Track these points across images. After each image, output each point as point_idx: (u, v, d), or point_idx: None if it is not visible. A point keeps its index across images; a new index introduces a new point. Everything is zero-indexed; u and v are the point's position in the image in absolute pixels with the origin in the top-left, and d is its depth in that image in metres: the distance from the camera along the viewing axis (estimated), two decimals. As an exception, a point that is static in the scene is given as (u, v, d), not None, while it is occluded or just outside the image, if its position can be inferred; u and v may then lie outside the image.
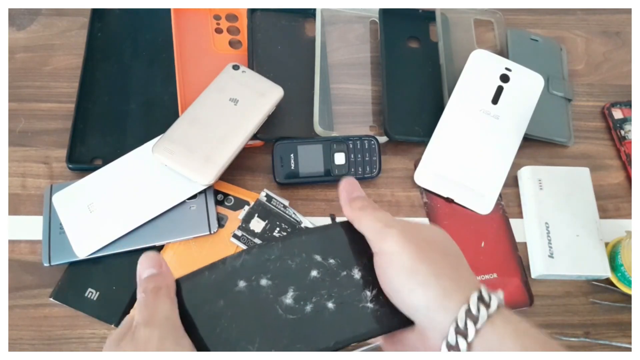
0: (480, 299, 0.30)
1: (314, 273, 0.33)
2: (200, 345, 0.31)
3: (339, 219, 0.55)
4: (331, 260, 0.33)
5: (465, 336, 0.29)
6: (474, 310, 0.29)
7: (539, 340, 0.30)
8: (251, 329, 0.31)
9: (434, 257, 0.31)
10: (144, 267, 0.32)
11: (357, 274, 0.33)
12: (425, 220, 0.56)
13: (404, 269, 0.31)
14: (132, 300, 0.49)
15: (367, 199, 0.35)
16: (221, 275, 0.32)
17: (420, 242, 0.32)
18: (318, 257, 0.33)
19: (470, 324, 0.29)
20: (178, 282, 0.32)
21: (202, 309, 0.31)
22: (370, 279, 0.33)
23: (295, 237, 0.33)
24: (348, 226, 0.34)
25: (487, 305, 0.29)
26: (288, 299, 0.32)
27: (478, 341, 0.29)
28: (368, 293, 0.33)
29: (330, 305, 0.32)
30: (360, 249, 0.33)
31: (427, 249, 0.32)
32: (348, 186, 0.36)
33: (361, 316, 0.32)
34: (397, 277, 0.31)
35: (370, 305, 0.33)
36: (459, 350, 0.29)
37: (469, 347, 0.29)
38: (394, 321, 0.32)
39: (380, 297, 0.33)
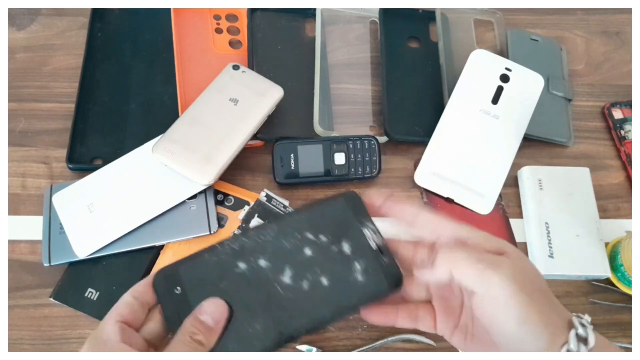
0: (578, 337, 0.31)
1: (308, 252, 0.35)
2: None
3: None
4: (322, 237, 0.35)
5: None
6: (574, 349, 0.30)
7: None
8: (256, 308, 0.33)
9: (539, 300, 0.31)
10: (209, 313, 0.32)
11: (346, 247, 0.35)
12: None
13: (514, 320, 0.31)
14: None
15: (421, 248, 0.35)
16: (221, 257, 0.33)
17: (526, 285, 0.31)
18: (310, 235, 0.34)
19: None
20: (178, 266, 0.33)
21: (204, 290, 0.33)
22: (358, 250, 0.35)
23: (287, 217, 0.35)
24: (334, 200, 0.36)
25: (585, 341, 0.31)
26: (286, 278, 0.34)
27: None
28: (357, 266, 0.35)
29: (324, 280, 0.34)
30: (346, 221, 0.35)
31: (532, 292, 0.31)
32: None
33: (353, 288, 0.35)
34: (506, 325, 0.31)
35: (360, 277, 0.35)
36: None
37: None
38: (383, 288, 0.35)
39: (369, 268, 0.35)
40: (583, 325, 0.31)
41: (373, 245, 0.36)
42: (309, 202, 0.35)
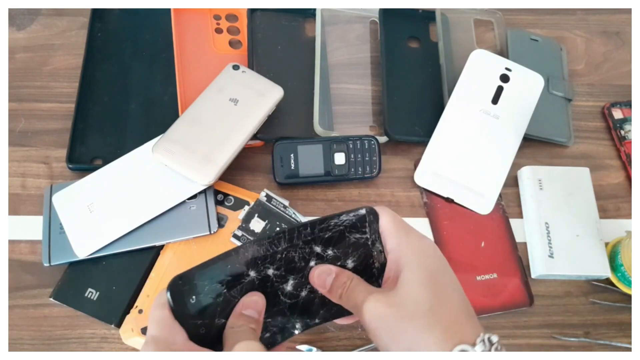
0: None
1: (312, 264, 0.36)
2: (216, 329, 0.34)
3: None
4: (329, 252, 0.36)
5: None
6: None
7: None
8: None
9: (416, 327, 0.31)
10: (248, 306, 0.34)
11: (349, 264, 0.37)
12: (425, 221, 0.56)
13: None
14: (132, 300, 0.49)
15: (337, 283, 0.35)
16: (235, 266, 0.35)
17: (399, 323, 0.32)
18: (318, 249, 0.36)
19: None
20: (193, 274, 0.34)
21: (218, 297, 0.34)
22: (359, 268, 0.37)
23: (299, 230, 0.36)
24: (352, 215, 0.36)
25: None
26: (288, 287, 0.36)
27: None
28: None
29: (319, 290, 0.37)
30: (356, 241, 0.37)
31: (407, 325, 0.32)
32: (316, 282, 0.36)
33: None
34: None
35: None
36: None
37: None
38: None
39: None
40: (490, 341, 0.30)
41: (376, 265, 0.37)
42: (327, 215, 0.36)
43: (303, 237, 0.35)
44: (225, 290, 0.34)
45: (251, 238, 0.51)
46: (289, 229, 0.35)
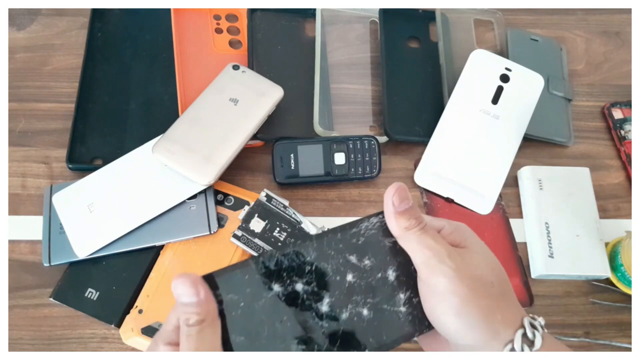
0: (525, 335, 0.30)
1: (350, 277, 0.32)
2: (232, 348, 0.30)
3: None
4: (366, 262, 0.32)
5: None
6: (517, 349, 0.30)
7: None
8: (288, 335, 0.30)
9: (483, 295, 0.31)
10: (182, 293, 0.29)
11: (391, 274, 0.33)
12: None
13: (452, 310, 0.30)
14: (132, 300, 0.49)
15: (415, 213, 0.32)
16: (255, 276, 0.30)
17: (471, 281, 0.31)
18: (353, 259, 0.32)
19: None
20: (210, 279, 0.30)
21: (234, 310, 0.30)
22: (404, 279, 0.33)
23: (330, 236, 0.32)
24: (381, 218, 0.33)
25: (532, 343, 0.30)
26: (324, 307, 0.31)
27: None
28: (402, 296, 0.33)
29: (364, 312, 0.32)
30: (394, 246, 0.33)
31: (477, 287, 0.31)
32: (396, 196, 0.32)
33: (394, 322, 0.32)
34: (444, 315, 0.31)
35: (402, 309, 0.32)
36: None
37: None
38: (424, 324, 0.33)
39: (413, 299, 0.33)
40: (534, 327, 0.31)
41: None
42: (357, 219, 0.32)
43: (334, 245, 0.31)
44: (242, 304, 0.30)
45: (251, 238, 0.51)
46: (316, 236, 0.32)
